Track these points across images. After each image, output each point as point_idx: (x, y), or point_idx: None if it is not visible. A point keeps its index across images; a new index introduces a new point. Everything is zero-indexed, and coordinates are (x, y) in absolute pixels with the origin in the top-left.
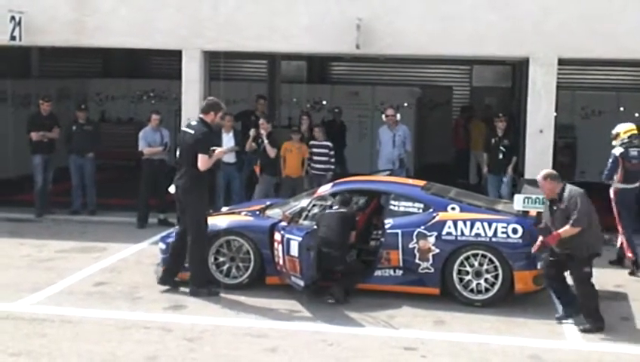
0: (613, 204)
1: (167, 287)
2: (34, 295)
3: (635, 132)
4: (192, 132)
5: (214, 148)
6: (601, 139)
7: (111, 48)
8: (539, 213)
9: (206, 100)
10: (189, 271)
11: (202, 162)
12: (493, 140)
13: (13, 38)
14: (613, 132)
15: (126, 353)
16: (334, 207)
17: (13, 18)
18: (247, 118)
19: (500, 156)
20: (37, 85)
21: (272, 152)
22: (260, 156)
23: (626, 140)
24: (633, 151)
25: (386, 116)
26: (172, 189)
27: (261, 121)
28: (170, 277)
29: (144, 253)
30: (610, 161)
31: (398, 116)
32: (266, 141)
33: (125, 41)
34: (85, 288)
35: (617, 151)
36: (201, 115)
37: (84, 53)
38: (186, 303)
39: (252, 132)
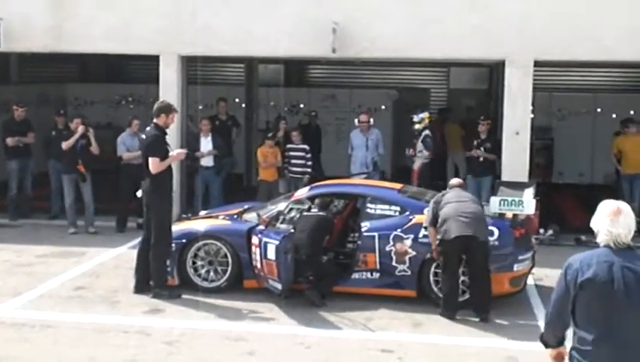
0: (416, 177)
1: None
2: (14, 299)
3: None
4: (144, 137)
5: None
6: (577, 140)
7: (89, 54)
8: (515, 215)
9: (156, 103)
10: (152, 272)
11: (152, 165)
12: (475, 142)
13: None
14: (419, 117)
15: (105, 357)
16: (313, 210)
17: None
18: (211, 122)
19: (481, 159)
20: (16, 91)
21: (96, 150)
22: (79, 154)
23: (428, 124)
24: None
25: (360, 122)
26: (139, 194)
27: (76, 120)
28: (144, 285)
29: (123, 258)
30: (429, 139)
31: (372, 121)
32: (93, 139)
33: (103, 46)
34: (65, 292)
35: (428, 131)
36: (154, 120)
37: (62, 58)
38: (164, 307)
39: (80, 129)
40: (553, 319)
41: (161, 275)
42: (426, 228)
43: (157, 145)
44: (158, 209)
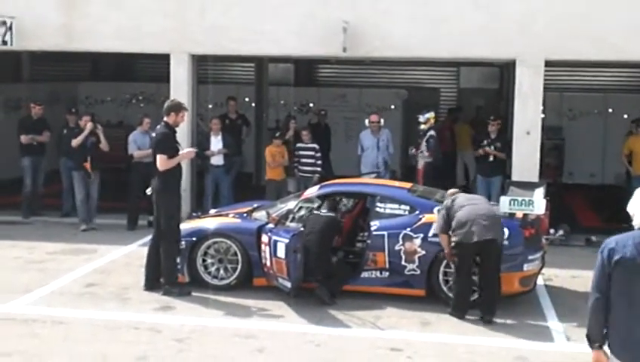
0: (421, 177)
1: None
2: (25, 296)
3: None
4: (154, 135)
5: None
6: (588, 140)
7: (100, 52)
8: (525, 215)
9: (166, 102)
10: (162, 269)
11: (160, 162)
12: (485, 142)
13: (4, 42)
14: (424, 118)
15: (116, 353)
16: (322, 211)
17: (4, 23)
18: (221, 120)
19: (491, 158)
20: (28, 89)
21: (105, 147)
22: (88, 151)
23: (433, 124)
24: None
25: (370, 122)
26: (149, 191)
27: (85, 117)
28: (154, 282)
29: (134, 255)
30: (432, 140)
31: (382, 121)
32: (102, 136)
33: (114, 45)
34: (76, 289)
35: (433, 132)
36: (164, 118)
37: (73, 57)
38: (175, 304)
39: (89, 126)
40: (598, 303)
41: (171, 273)
42: (436, 235)
43: (165, 143)
44: (166, 207)
